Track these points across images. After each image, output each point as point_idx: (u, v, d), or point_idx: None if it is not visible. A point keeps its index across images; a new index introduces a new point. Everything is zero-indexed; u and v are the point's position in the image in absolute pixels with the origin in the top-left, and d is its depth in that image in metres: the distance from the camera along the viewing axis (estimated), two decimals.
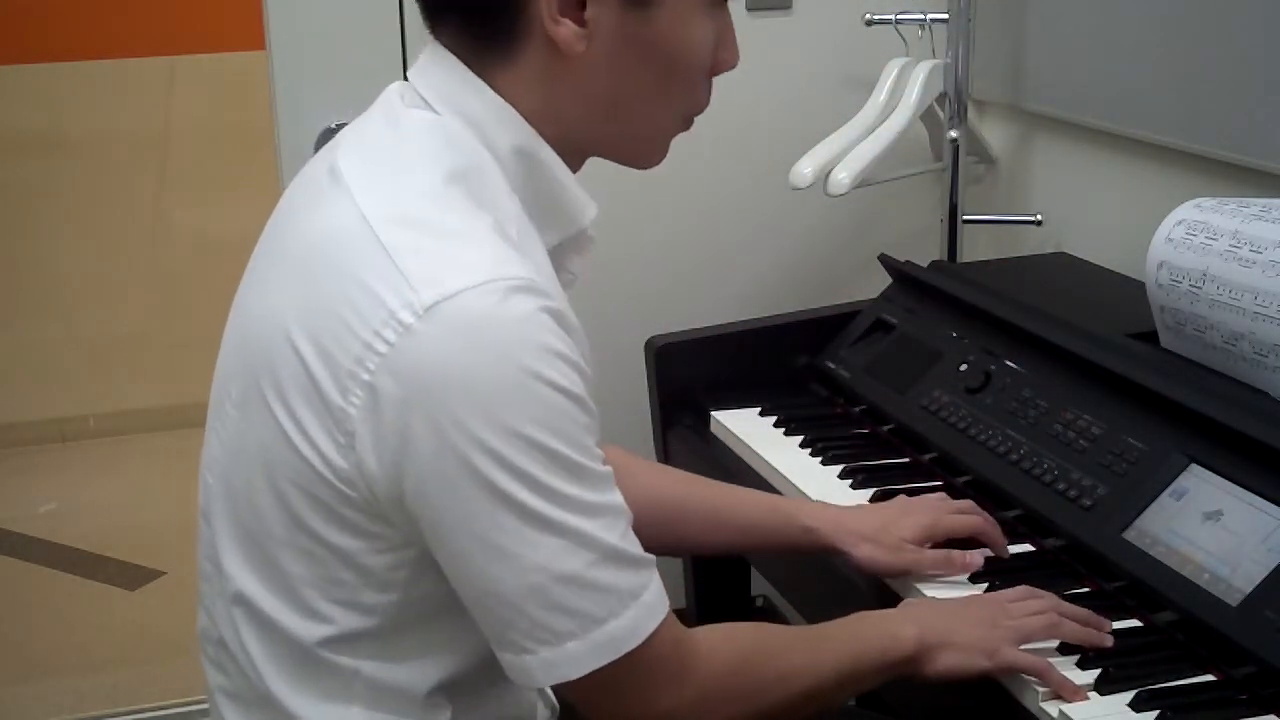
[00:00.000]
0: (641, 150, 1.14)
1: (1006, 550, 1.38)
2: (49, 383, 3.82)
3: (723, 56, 1.12)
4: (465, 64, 1.06)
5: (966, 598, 1.29)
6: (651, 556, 1.03)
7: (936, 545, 1.36)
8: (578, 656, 0.99)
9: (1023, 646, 1.19)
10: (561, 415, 0.96)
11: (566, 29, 1.03)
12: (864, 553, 1.34)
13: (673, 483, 1.43)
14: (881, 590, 1.38)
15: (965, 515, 1.39)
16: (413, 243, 0.98)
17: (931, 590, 1.33)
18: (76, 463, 3.80)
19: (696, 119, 1.15)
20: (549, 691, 1.22)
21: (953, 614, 1.22)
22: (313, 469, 0.99)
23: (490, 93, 1.06)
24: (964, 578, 1.34)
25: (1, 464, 3.78)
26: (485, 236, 0.99)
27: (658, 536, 1.28)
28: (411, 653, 1.06)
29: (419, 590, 1.04)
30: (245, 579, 1.06)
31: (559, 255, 1.11)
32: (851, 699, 1.72)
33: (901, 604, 1.28)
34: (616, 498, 1.01)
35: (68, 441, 3.89)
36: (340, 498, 0.99)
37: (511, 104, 1.06)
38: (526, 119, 1.06)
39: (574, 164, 1.12)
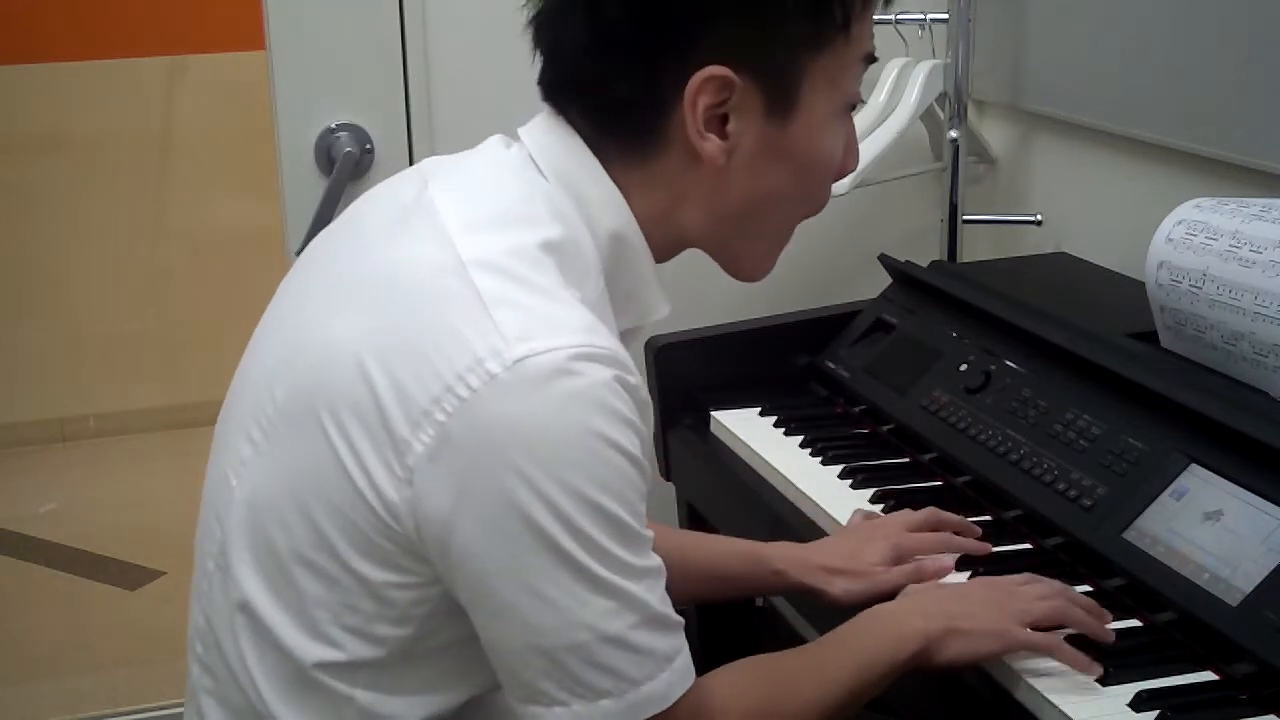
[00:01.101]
0: (762, 262, 1.17)
1: (987, 547, 1.37)
2: (49, 383, 3.83)
3: (846, 160, 1.14)
4: (585, 142, 1.07)
5: (972, 580, 1.28)
6: (682, 620, 1.03)
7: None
8: (609, 714, 0.99)
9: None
10: (623, 480, 0.97)
11: (713, 144, 1.04)
12: (838, 588, 1.33)
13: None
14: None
15: (928, 534, 1.38)
16: (508, 295, 0.97)
17: None
18: (76, 463, 3.81)
19: None
20: None
21: (959, 598, 1.22)
22: (360, 495, 0.98)
23: (605, 177, 1.06)
24: (963, 576, 1.34)
25: (1, 464, 3.78)
26: (575, 305, 1.00)
27: None
28: (407, 688, 1.06)
29: (431, 628, 1.03)
30: (255, 589, 1.05)
31: (625, 339, 1.12)
32: None
33: (903, 593, 1.27)
34: (657, 561, 1.02)
35: (68, 441, 3.90)
36: (381, 529, 0.99)
37: (624, 194, 1.07)
38: (637, 213, 1.08)
39: (659, 258, 1.13)
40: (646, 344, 1.86)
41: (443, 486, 0.95)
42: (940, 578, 1.33)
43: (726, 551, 1.42)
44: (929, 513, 1.41)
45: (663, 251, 1.13)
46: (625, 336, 1.12)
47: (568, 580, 0.96)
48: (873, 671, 1.15)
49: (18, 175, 3.77)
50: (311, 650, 1.03)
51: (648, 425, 1.02)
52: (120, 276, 3.84)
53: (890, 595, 1.31)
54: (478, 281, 0.98)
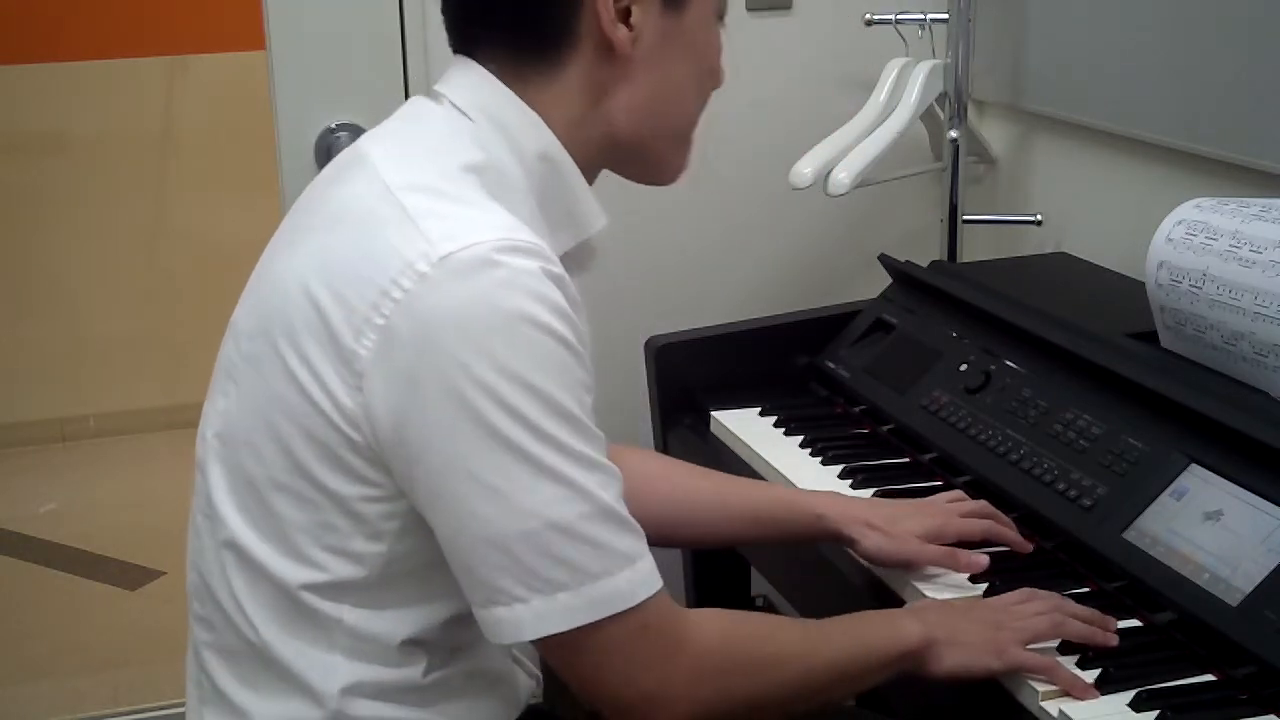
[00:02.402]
0: (676, 157, 1.22)
1: (1027, 546, 1.38)
2: (49, 383, 3.82)
3: (720, 68, 1.22)
4: (500, 74, 1.13)
5: (971, 600, 1.29)
6: (642, 531, 1.05)
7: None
8: (570, 609, 1.00)
9: (1029, 647, 1.19)
10: (559, 364, 1.01)
11: (623, 33, 1.12)
12: (871, 541, 1.35)
13: (680, 474, 1.45)
14: (880, 590, 1.38)
15: (976, 519, 1.39)
16: (432, 207, 1.04)
17: (931, 590, 1.33)
18: (76, 463, 3.81)
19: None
20: (526, 661, 1.24)
21: (959, 614, 1.23)
22: (320, 411, 1.03)
23: (522, 104, 1.13)
24: (965, 577, 1.34)
25: (1, 464, 3.78)
26: (498, 210, 1.05)
27: (667, 528, 1.34)
28: (393, 604, 1.09)
29: (406, 545, 1.06)
30: (238, 524, 1.10)
31: (571, 261, 1.15)
32: (851, 699, 1.72)
33: (907, 605, 1.28)
34: (611, 465, 1.04)
35: (68, 441, 3.89)
36: (344, 441, 1.03)
37: (545, 117, 1.13)
38: (558, 131, 1.13)
39: (589, 176, 1.18)
40: (646, 344, 1.87)
41: (389, 386, 1.00)
42: (973, 571, 1.33)
43: (768, 496, 1.45)
44: (981, 504, 1.42)
45: (590, 162, 1.17)
46: (573, 256, 1.17)
47: (511, 465, 0.99)
48: (864, 655, 1.15)
49: (18, 175, 3.77)
50: (296, 573, 1.07)
51: (584, 328, 1.05)
52: (120, 276, 3.84)
53: (915, 566, 1.34)
54: (404, 201, 1.04)
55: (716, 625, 1.10)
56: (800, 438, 1.69)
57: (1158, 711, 1.12)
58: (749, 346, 1.88)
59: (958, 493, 1.45)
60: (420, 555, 1.06)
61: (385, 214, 1.04)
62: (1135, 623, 1.26)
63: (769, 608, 2.31)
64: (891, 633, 1.17)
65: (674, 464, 1.50)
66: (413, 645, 1.10)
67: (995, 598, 1.28)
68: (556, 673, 1.09)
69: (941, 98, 2.10)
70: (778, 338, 1.89)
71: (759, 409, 1.77)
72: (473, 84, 1.13)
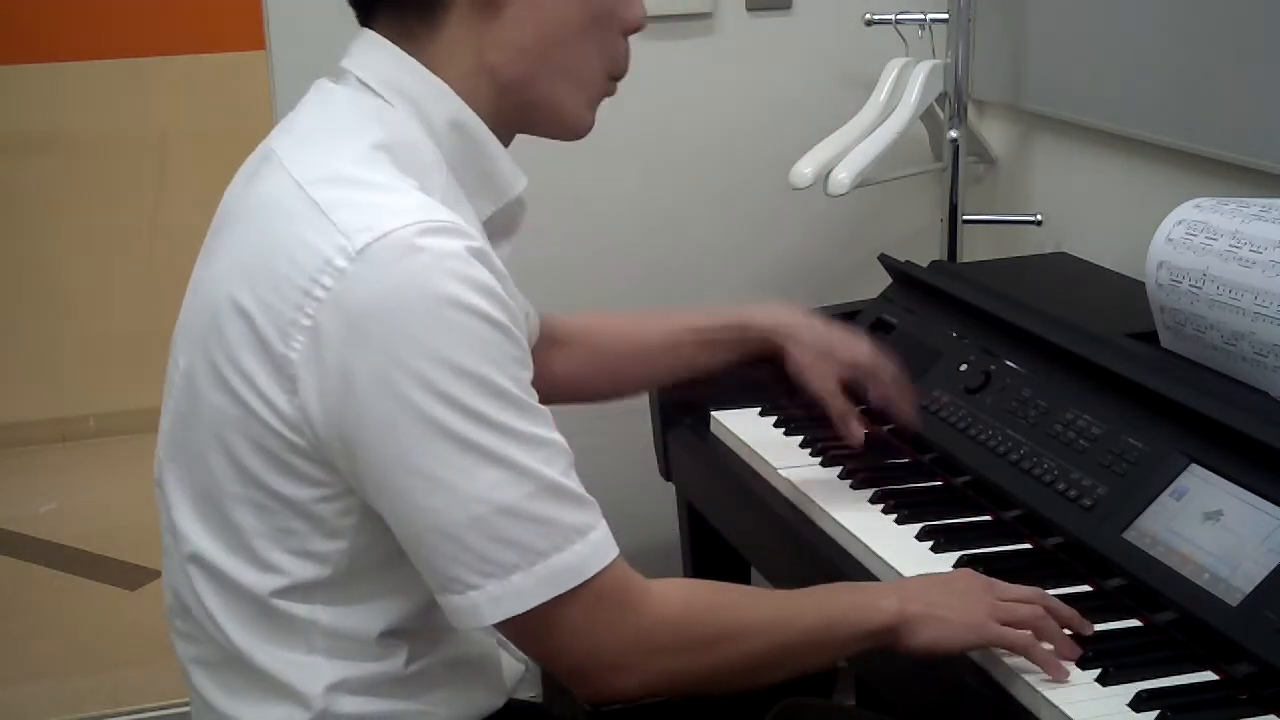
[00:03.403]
0: (572, 106, 1.17)
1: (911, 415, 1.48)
2: (49, 383, 3.82)
3: (627, 14, 1.18)
4: (399, 47, 1.12)
5: (953, 571, 1.28)
6: (594, 501, 1.04)
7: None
8: (523, 590, 1.00)
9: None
10: (487, 343, 0.99)
11: None
12: (795, 361, 1.48)
13: (620, 321, 1.52)
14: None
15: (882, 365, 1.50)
16: (343, 198, 1.03)
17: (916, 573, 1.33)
18: (76, 463, 3.81)
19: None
20: (511, 645, 1.24)
21: (938, 587, 1.21)
22: (260, 419, 1.03)
23: (424, 70, 1.11)
24: (950, 567, 1.34)
25: (1, 464, 3.78)
26: (411, 192, 1.04)
27: (622, 374, 1.46)
28: (364, 598, 1.09)
29: (366, 538, 1.06)
30: (200, 538, 1.10)
31: (493, 226, 1.16)
32: (850, 697, 1.72)
33: (892, 582, 1.27)
34: (555, 436, 1.04)
35: (68, 441, 3.89)
36: (287, 446, 1.03)
37: (444, 78, 1.11)
38: (459, 91, 1.11)
39: (505, 137, 1.17)
40: None
41: (323, 386, 1.00)
42: (854, 440, 1.46)
43: (705, 314, 1.55)
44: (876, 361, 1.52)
45: (496, 121, 1.15)
46: (500, 220, 1.16)
47: (451, 454, 0.98)
48: (837, 626, 1.14)
49: (18, 175, 3.77)
50: (263, 581, 1.07)
51: (513, 294, 1.05)
52: (120, 276, 3.84)
53: (817, 398, 1.50)
54: (314, 194, 1.03)
55: (680, 594, 1.10)
56: (800, 438, 1.69)
57: (1157, 711, 1.12)
58: None
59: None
60: (382, 547, 1.06)
61: (297, 211, 1.03)
62: (1135, 622, 1.26)
63: None
64: (866, 606, 1.16)
65: (615, 316, 1.54)
66: (391, 637, 1.10)
67: (982, 575, 1.27)
68: (518, 648, 1.09)
69: (941, 98, 2.11)
70: None
71: (759, 409, 1.77)
72: (376, 57, 1.12)
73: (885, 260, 1.91)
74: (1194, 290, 1.40)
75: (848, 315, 1.88)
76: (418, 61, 1.11)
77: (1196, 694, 1.15)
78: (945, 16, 2.08)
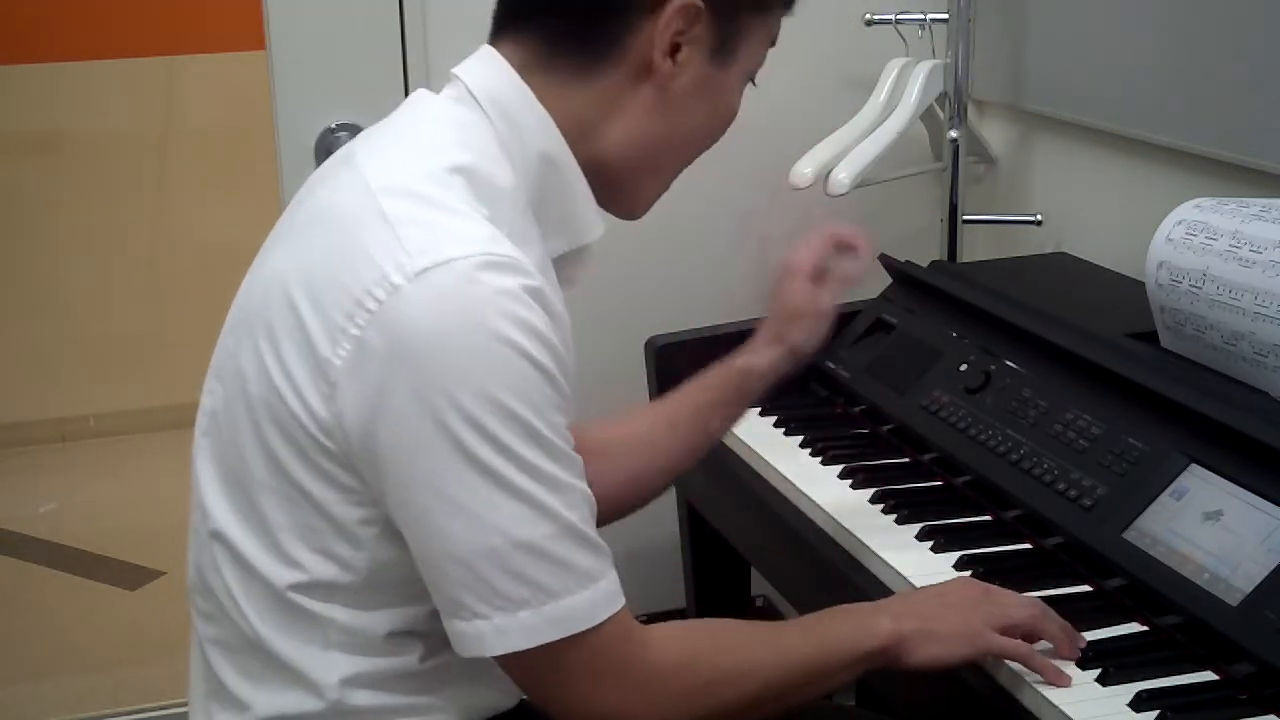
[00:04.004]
0: (648, 198, 1.21)
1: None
2: (49, 383, 3.82)
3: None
4: (530, 63, 1.12)
5: (949, 581, 1.28)
6: (609, 550, 1.05)
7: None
8: (531, 627, 1.00)
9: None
10: (530, 385, 1.00)
11: (668, 65, 1.11)
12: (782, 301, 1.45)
13: (630, 430, 1.44)
14: (879, 589, 1.38)
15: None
16: (412, 214, 1.03)
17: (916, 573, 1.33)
18: (76, 463, 3.81)
19: None
20: None
21: (933, 600, 1.22)
22: (296, 417, 1.03)
23: (536, 102, 1.11)
24: (950, 567, 1.34)
25: (1, 464, 3.78)
26: (480, 220, 1.04)
27: (643, 481, 1.39)
28: (382, 605, 1.09)
29: (387, 553, 1.06)
30: (225, 518, 1.11)
31: (561, 265, 1.16)
32: (850, 698, 1.72)
33: (886, 599, 1.27)
34: (582, 484, 1.04)
35: (68, 441, 3.89)
36: (318, 447, 1.03)
37: (556, 117, 1.12)
38: (562, 130, 1.12)
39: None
40: (646, 344, 1.87)
41: (361, 397, 1.00)
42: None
43: (700, 387, 1.44)
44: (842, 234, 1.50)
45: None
46: (568, 262, 1.16)
47: (476, 481, 0.99)
48: (833, 653, 1.14)
49: (18, 175, 3.77)
50: (283, 574, 1.08)
51: (563, 341, 1.05)
52: (120, 276, 3.84)
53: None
54: (384, 205, 1.04)
55: (678, 644, 1.10)
56: (800, 438, 1.69)
57: (1158, 711, 1.12)
58: None
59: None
60: (405, 564, 1.06)
61: (365, 219, 1.04)
62: (1135, 622, 1.26)
63: (769, 608, 2.31)
64: (859, 632, 1.16)
65: (624, 423, 1.47)
66: (404, 635, 1.10)
67: (976, 580, 1.27)
68: (518, 687, 1.09)
69: (941, 98, 2.10)
70: None
71: (759, 409, 1.77)
72: (490, 71, 1.12)
73: (885, 260, 1.91)
74: (1194, 290, 1.40)
75: (848, 315, 1.88)
76: (533, 91, 1.11)
77: (1196, 694, 1.15)
78: (945, 16, 2.08)
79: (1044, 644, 1.20)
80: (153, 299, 3.86)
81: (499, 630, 1.01)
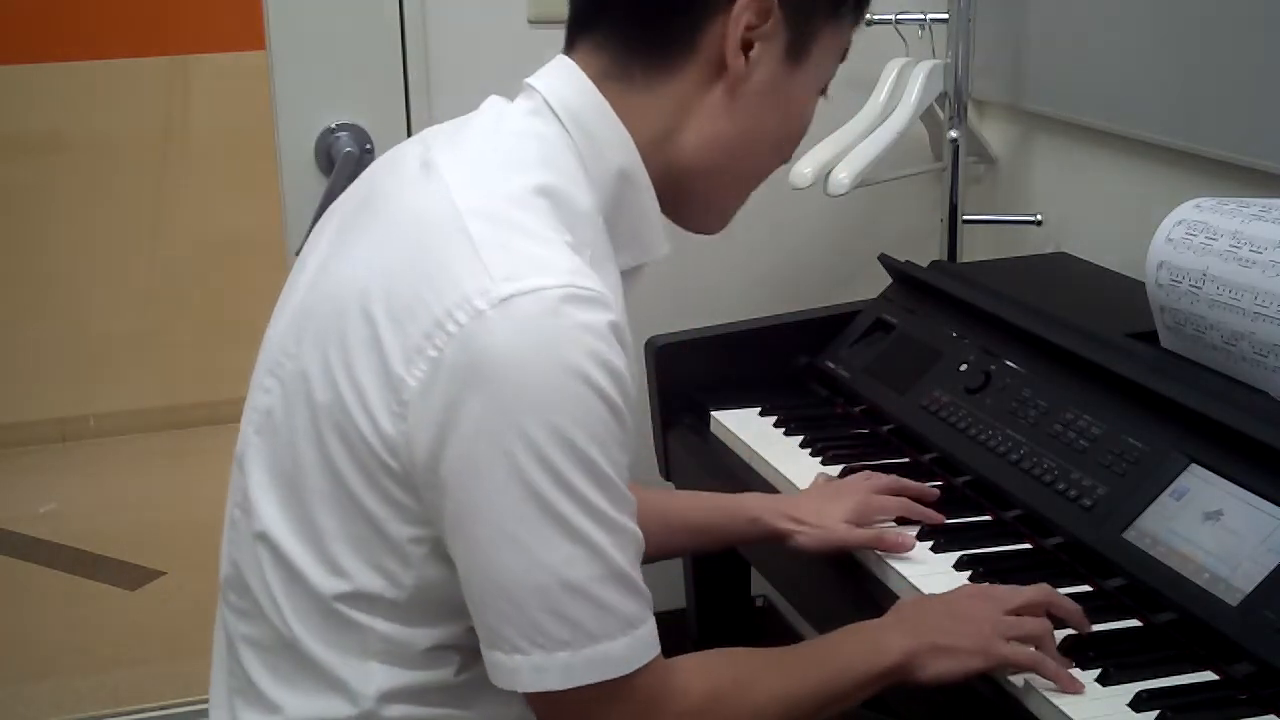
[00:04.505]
0: (726, 208, 1.21)
1: (940, 518, 1.44)
2: (49, 383, 3.82)
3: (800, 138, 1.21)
4: (606, 67, 1.11)
5: (958, 590, 1.28)
6: (650, 596, 1.04)
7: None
8: (567, 668, 1.00)
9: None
10: (602, 424, 0.99)
11: (740, 62, 1.10)
12: (803, 537, 1.41)
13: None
14: (880, 589, 1.38)
15: (891, 497, 1.45)
16: (498, 238, 1.01)
17: (915, 573, 1.33)
18: (76, 463, 3.81)
19: None
20: None
21: (943, 613, 1.22)
22: (361, 433, 1.02)
23: (614, 116, 1.10)
24: (950, 567, 1.35)
25: (1, 464, 3.78)
26: (565, 249, 1.03)
27: None
28: (425, 622, 1.08)
29: (435, 573, 1.06)
30: (274, 521, 1.09)
31: (624, 279, 1.15)
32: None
33: (892, 608, 1.28)
34: (634, 525, 1.03)
35: (68, 441, 3.90)
36: (380, 465, 1.02)
37: (629, 125, 1.11)
38: (638, 139, 1.11)
39: (658, 200, 1.16)
40: (646, 344, 1.87)
41: (432, 419, 0.99)
42: (900, 551, 1.39)
43: (705, 505, 1.49)
44: (892, 479, 1.48)
45: (656, 186, 1.15)
46: (626, 276, 1.15)
47: (536, 519, 0.98)
48: (846, 676, 1.15)
49: (18, 175, 3.77)
50: (330, 583, 1.07)
51: (632, 373, 1.04)
52: (120, 276, 3.84)
53: (847, 550, 1.41)
54: (470, 226, 1.02)
55: (702, 682, 1.09)
56: (800, 438, 1.69)
57: (1158, 711, 1.12)
58: (749, 346, 1.88)
59: (867, 472, 1.50)
60: (451, 585, 1.05)
61: (450, 238, 1.02)
62: (1135, 622, 1.26)
63: (769, 608, 2.31)
64: (872, 654, 1.16)
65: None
66: (444, 649, 1.10)
67: (987, 586, 1.28)
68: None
69: (941, 98, 2.11)
70: (778, 338, 1.89)
71: (759, 409, 1.77)
72: (568, 85, 1.11)
73: (885, 260, 1.91)
74: (1194, 290, 1.40)
75: (848, 315, 1.89)
76: (609, 102, 1.10)
77: (1196, 694, 1.15)
78: (945, 16, 2.08)
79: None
80: (153, 299, 3.86)
81: (535, 668, 1.00)
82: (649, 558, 1.09)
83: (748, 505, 1.46)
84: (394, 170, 1.15)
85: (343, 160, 2.04)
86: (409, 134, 2.09)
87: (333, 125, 2.06)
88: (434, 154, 1.11)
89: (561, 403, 0.97)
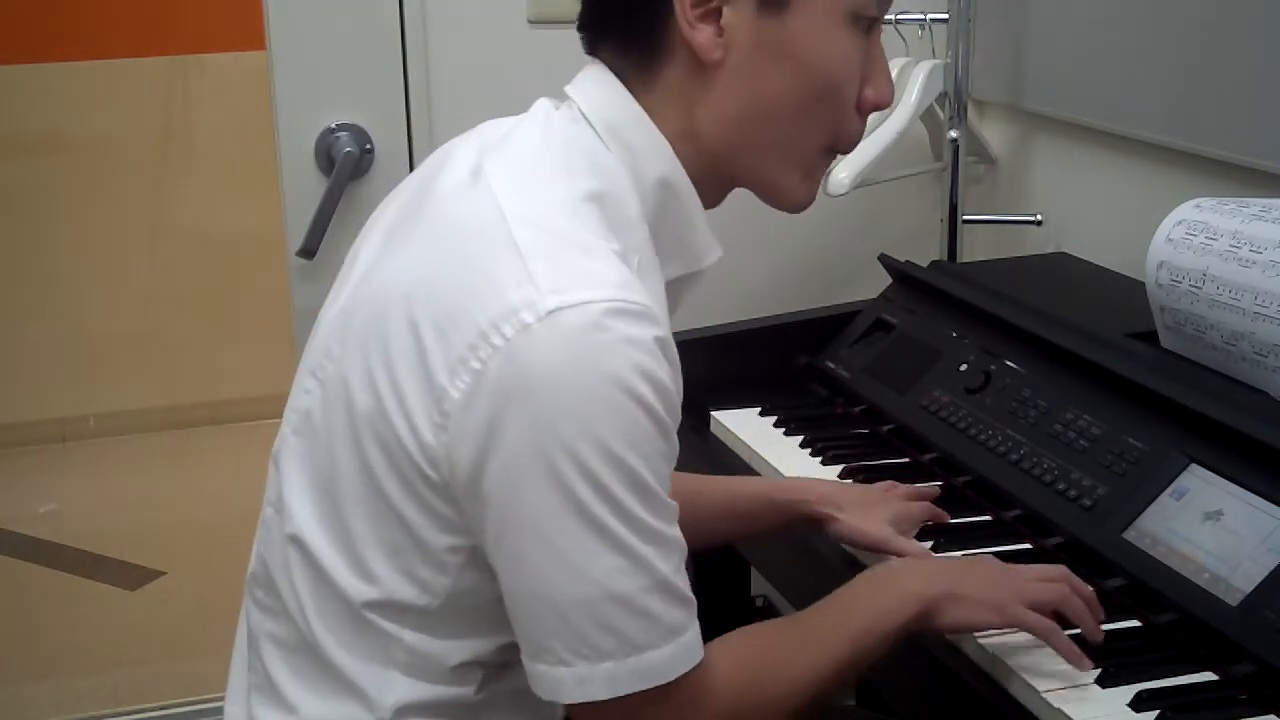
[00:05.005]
0: (783, 180, 1.14)
1: (945, 516, 1.44)
2: (49, 383, 3.83)
3: (868, 92, 1.13)
4: (626, 86, 1.10)
5: (974, 557, 1.28)
6: (694, 600, 1.04)
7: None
8: (612, 678, 1.00)
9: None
10: (648, 438, 0.98)
11: (704, 34, 1.06)
12: (844, 525, 1.38)
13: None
14: None
15: (917, 504, 1.44)
16: (545, 249, 1.00)
17: None
18: (76, 463, 3.81)
19: None
20: None
21: (961, 568, 1.22)
22: (402, 442, 1.01)
23: (649, 122, 1.09)
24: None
25: (1, 464, 3.78)
26: (612, 259, 1.02)
27: None
28: (453, 634, 1.08)
29: (470, 582, 1.05)
30: (307, 523, 1.09)
31: (675, 287, 1.14)
32: (850, 697, 1.72)
33: (908, 560, 1.27)
34: (677, 533, 1.03)
35: (68, 441, 3.90)
36: (420, 475, 1.02)
37: (659, 128, 1.09)
38: (672, 144, 1.09)
39: (715, 195, 1.15)
40: None
41: (474, 431, 0.98)
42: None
43: (745, 490, 1.47)
44: (913, 488, 1.47)
45: (704, 184, 1.13)
46: (678, 284, 1.14)
47: (580, 532, 0.97)
48: (871, 636, 1.14)
49: (18, 175, 3.77)
50: (360, 590, 1.06)
51: (677, 385, 1.03)
52: (120, 276, 3.84)
53: (884, 551, 1.37)
54: (517, 235, 1.01)
55: (737, 676, 1.08)
56: (800, 438, 1.69)
57: (1158, 711, 1.12)
58: (749, 346, 1.88)
59: (890, 483, 1.48)
60: (485, 594, 1.05)
61: (497, 247, 1.01)
62: (1135, 622, 1.26)
63: (769, 608, 2.31)
64: (896, 605, 1.15)
65: None
66: (468, 666, 1.09)
67: (1002, 563, 1.27)
68: None
69: (941, 98, 2.10)
70: (778, 338, 1.89)
71: (759, 409, 1.77)
72: (602, 94, 1.10)
73: (885, 260, 1.91)
74: (1194, 290, 1.40)
75: (848, 315, 1.89)
76: (640, 107, 1.09)
77: (1196, 694, 1.15)
78: (945, 16, 2.08)
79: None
80: (153, 299, 3.86)
81: (580, 679, 1.00)
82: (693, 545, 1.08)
83: (789, 488, 1.44)
84: (445, 171, 1.13)
85: (343, 160, 2.04)
86: (409, 134, 2.09)
87: (333, 125, 2.06)
88: (481, 161, 1.10)
89: (604, 415, 0.96)
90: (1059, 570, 1.23)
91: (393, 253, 1.10)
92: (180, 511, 3.39)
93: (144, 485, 3.61)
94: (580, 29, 1.13)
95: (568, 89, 1.13)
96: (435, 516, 1.03)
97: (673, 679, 1.01)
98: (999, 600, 1.17)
